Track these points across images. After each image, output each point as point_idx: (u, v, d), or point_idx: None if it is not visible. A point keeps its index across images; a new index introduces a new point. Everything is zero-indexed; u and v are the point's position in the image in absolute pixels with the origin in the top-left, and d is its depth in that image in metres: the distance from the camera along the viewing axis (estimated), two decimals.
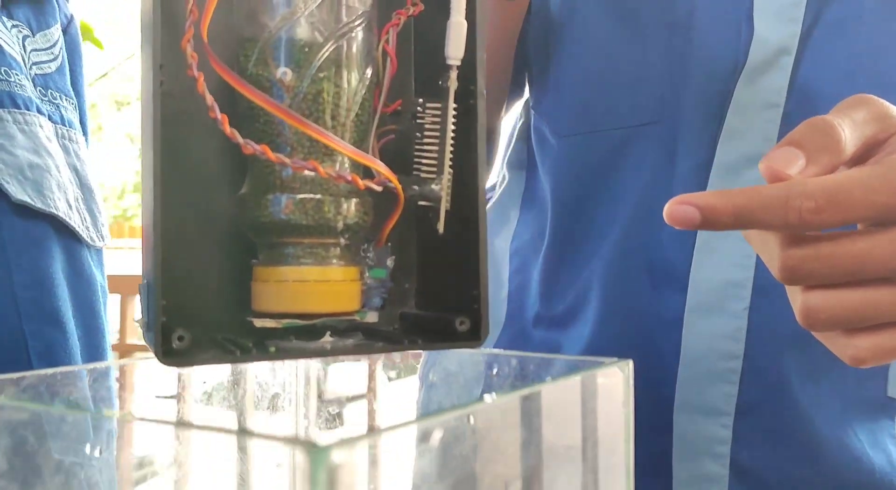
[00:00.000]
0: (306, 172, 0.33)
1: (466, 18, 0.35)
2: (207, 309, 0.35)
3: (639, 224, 0.61)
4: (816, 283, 0.37)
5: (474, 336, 0.35)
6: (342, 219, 0.34)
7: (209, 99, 0.32)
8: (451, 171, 0.36)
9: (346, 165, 0.35)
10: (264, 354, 0.33)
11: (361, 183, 0.33)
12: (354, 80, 0.35)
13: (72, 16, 0.57)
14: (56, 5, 0.56)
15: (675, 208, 0.36)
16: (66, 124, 0.53)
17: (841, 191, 0.35)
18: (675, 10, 0.60)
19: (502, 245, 0.73)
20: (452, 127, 0.35)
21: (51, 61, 0.54)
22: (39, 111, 0.50)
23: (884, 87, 0.57)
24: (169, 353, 0.31)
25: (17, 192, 0.46)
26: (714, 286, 0.59)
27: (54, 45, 0.55)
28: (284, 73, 0.34)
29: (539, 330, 0.68)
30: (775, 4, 0.58)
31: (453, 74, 0.35)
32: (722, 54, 0.59)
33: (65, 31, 0.56)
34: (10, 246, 0.46)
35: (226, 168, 0.35)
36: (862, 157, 0.40)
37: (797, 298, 0.38)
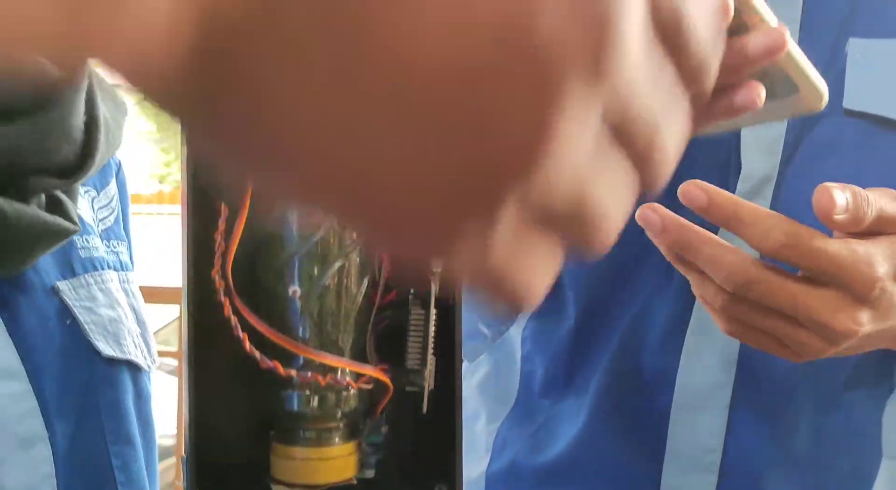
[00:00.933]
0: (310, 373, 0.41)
1: None
2: (233, 478, 0.43)
3: (636, 330, 0.68)
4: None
5: None
6: (341, 409, 0.42)
7: (234, 320, 0.40)
8: (433, 359, 0.43)
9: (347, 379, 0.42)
10: None
11: (355, 385, 0.41)
12: (354, 289, 0.42)
13: (120, 162, 0.65)
14: (111, 160, 0.63)
15: (691, 189, 0.45)
16: (124, 268, 0.61)
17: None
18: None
19: (515, 331, 0.79)
20: (434, 328, 0.42)
21: (111, 215, 0.62)
22: (109, 266, 0.58)
23: None
24: None
25: (105, 349, 0.55)
26: (699, 387, 0.66)
27: (112, 199, 0.63)
28: (294, 291, 0.41)
29: (546, 402, 0.75)
30: (759, 140, 0.63)
31: (434, 286, 0.42)
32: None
33: (116, 178, 0.64)
34: (99, 389, 0.54)
35: (249, 367, 0.42)
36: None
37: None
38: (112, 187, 0.63)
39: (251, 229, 0.41)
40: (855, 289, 0.48)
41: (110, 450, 0.55)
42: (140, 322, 0.60)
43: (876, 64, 0.62)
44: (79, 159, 0.51)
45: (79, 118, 0.50)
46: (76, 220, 0.52)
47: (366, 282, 0.43)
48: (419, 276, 0.43)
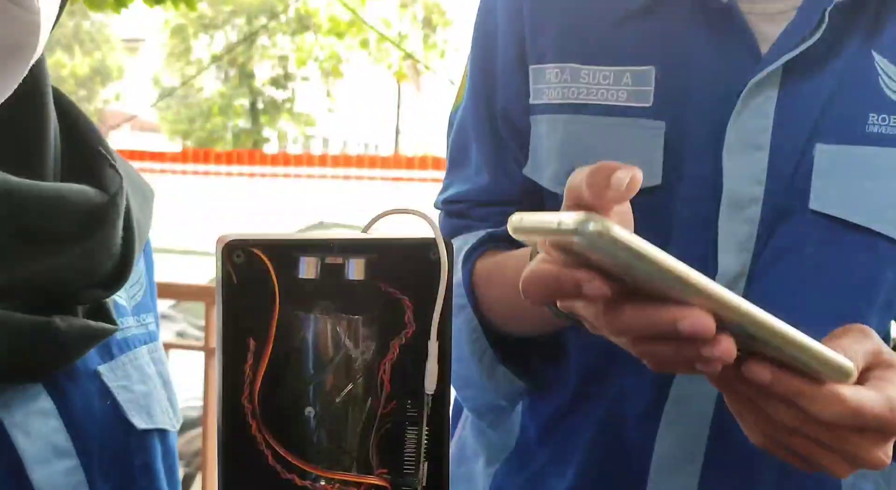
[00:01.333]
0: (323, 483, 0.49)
1: (438, 362, 0.50)
2: None
3: (623, 400, 0.75)
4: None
5: None
6: None
7: (259, 438, 0.48)
8: (426, 463, 0.51)
9: (353, 470, 0.51)
10: None
11: None
12: (360, 408, 0.51)
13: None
14: None
15: (757, 369, 0.50)
16: (152, 339, 0.69)
17: None
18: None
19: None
20: (426, 438, 0.51)
21: (140, 291, 0.70)
22: (140, 342, 0.67)
23: (826, 298, 0.68)
24: None
25: (140, 423, 0.63)
26: (676, 452, 0.74)
27: (141, 276, 0.71)
28: (310, 411, 0.50)
29: (540, 452, 0.83)
30: (734, 239, 0.69)
31: (427, 401, 0.51)
32: None
33: (143, 253, 0.71)
34: (134, 455, 0.63)
35: (272, 474, 0.51)
36: None
37: None
38: (141, 263, 0.70)
39: (275, 360, 0.49)
40: (889, 431, 0.53)
41: None
42: (166, 385, 0.69)
43: (840, 169, 0.67)
44: (118, 270, 0.59)
45: (118, 235, 0.58)
46: (116, 320, 0.60)
47: (370, 401, 0.51)
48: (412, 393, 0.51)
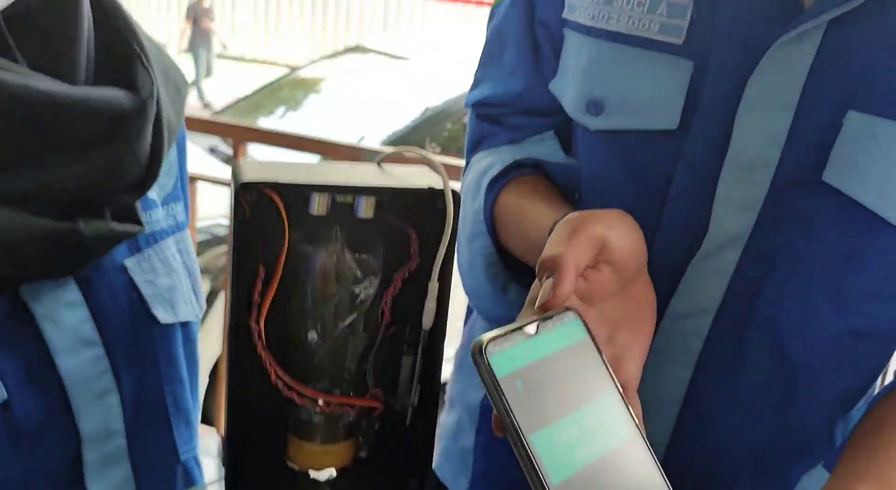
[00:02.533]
0: (320, 401, 0.54)
1: (437, 301, 0.53)
2: (260, 454, 0.57)
3: None
4: None
5: None
6: (342, 421, 0.55)
7: (264, 356, 0.52)
8: (418, 387, 0.55)
9: (351, 389, 0.55)
10: None
11: (353, 411, 0.54)
12: (359, 336, 0.54)
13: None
14: None
15: None
16: (180, 228, 0.71)
17: None
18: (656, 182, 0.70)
19: None
20: (419, 367, 0.54)
21: (170, 180, 0.71)
22: (167, 233, 0.68)
23: (820, 273, 0.67)
24: None
25: (164, 317, 0.66)
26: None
27: (172, 165, 0.71)
28: (312, 336, 0.53)
29: None
30: (734, 201, 0.64)
31: (423, 335, 0.54)
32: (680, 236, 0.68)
33: (176, 142, 0.71)
34: (157, 346, 0.67)
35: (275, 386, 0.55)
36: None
37: None
38: (172, 152, 0.71)
39: (283, 288, 0.52)
40: None
41: (165, 390, 0.69)
42: (191, 275, 0.72)
43: (866, 143, 0.62)
44: (146, 175, 0.60)
45: (147, 141, 0.59)
46: (142, 221, 0.62)
47: (370, 330, 0.54)
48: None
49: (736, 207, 0.65)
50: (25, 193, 0.54)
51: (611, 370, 0.50)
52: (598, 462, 0.46)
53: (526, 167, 0.76)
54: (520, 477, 0.94)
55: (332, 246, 0.52)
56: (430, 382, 0.56)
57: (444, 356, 0.56)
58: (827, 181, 0.63)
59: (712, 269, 0.68)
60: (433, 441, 0.57)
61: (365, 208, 0.52)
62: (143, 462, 0.67)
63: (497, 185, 0.74)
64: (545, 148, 0.80)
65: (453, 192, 0.51)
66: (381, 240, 0.54)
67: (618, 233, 0.57)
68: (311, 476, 0.56)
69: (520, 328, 0.46)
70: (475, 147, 0.85)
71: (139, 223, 0.62)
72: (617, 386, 0.50)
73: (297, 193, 0.50)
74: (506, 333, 0.46)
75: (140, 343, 0.65)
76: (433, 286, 0.53)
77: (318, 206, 0.51)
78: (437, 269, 0.52)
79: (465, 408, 0.92)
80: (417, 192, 0.51)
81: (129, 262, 0.65)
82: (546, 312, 0.49)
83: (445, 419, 0.98)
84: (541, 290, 0.52)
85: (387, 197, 0.51)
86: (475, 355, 0.44)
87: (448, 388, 1.00)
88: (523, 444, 0.44)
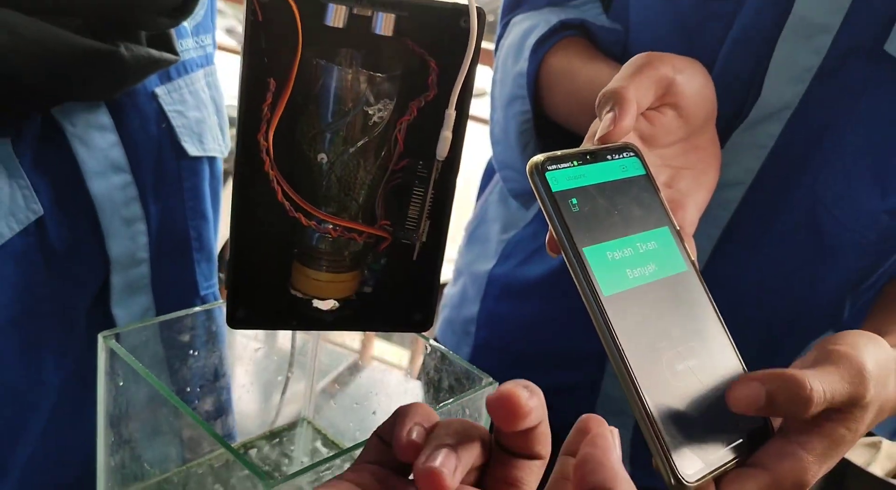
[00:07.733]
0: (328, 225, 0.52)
1: (453, 131, 0.51)
2: (263, 282, 0.56)
3: None
4: None
5: (425, 325, 0.56)
6: (349, 249, 0.53)
7: (272, 174, 0.50)
8: (428, 221, 0.54)
9: (359, 218, 0.53)
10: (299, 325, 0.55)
11: (360, 238, 0.52)
12: (371, 161, 0.52)
13: None
14: None
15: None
16: (209, 61, 0.69)
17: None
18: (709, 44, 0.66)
19: None
20: (430, 199, 0.53)
21: (201, 9, 0.68)
22: (197, 65, 0.66)
23: (864, 149, 0.64)
24: (232, 322, 0.53)
25: (192, 150, 0.65)
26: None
27: None
28: (322, 157, 0.51)
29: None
30: (790, 68, 0.62)
31: (437, 166, 0.52)
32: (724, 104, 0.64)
33: None
34: (184, 178, 0.66)
35: (282, 206, 0.53)
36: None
37: None
38: None
39: (294, 104, 0.50)
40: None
41: (189, 224, 0.68)
42: (218, 112, 0.70)
43: None
44: (186, 1, 0.58)
45: None
46: (178, 50, 0.60)
47: (382, 156, 0.52)
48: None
49: (789, 75, 0.63)
50: (58, 4, 0.52)
51: (668, 209, 0.49)
52: (652, 284, 0.45)
53: (571, 29, 0.73)
54: (521, 349, 0.94)
55: (347, 61, 0.50)
56: (440, 218, 0.54)
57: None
58: (888, 51, 0.60)
59: (751, 142, 0.66)
60: (439, 277, 0.55)
61: (384, 24, 0.49)
62: (165, 294, 0.67)
63: (545, 45, 0.71)
64: (588, 11, 0.77)
65: (478, 9, 0.48)
66: (399, 64, 0.51)
67: (685, 77, 0.55)
68: (314, 304, 0.56)
69: (577, 153, 0.47)
70: (513, 8, 0.82)
71: (175, 53, 0.60)
72: (673, 222, 0.49)
73: (314, 0, 0.48)
74: (563, 155, 0.47)
75: (168, 174, 0.65)
76: (450, 113, 0.51)
77: (336, 17, 0.48)
78: (456, 96, 0.50)
79: (472, 278, 0.91)
80: (440, 8, 0.49)
81: (160, 91, 0.64)
82: (604, 145, 0.49)
83: (449, 290, 0.98)
84: (601, 123, 0.50)
85: (408, 12, 0.49)
86: (531, 171, 0.44)
87: (455, 263, 1.00)
88: (576, 253, 0.44)
